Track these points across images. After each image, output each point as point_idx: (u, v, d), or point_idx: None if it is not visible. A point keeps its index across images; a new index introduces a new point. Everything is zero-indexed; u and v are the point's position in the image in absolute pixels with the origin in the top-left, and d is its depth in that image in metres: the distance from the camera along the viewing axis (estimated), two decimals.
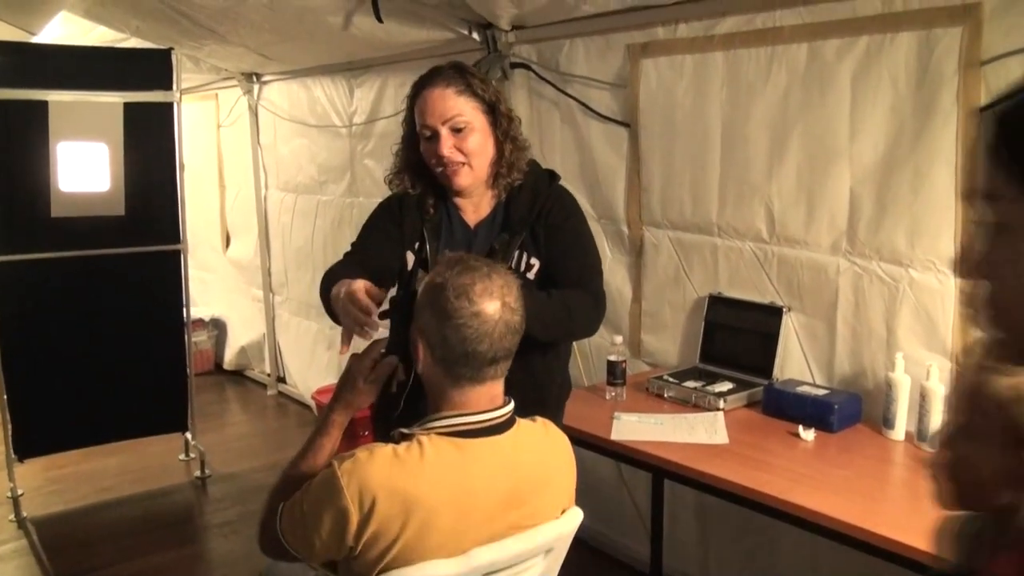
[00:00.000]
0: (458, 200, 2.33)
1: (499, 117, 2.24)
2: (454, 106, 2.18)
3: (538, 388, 2.24)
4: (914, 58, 2.57)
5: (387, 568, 1.58)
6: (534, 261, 2.25)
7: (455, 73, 2.21)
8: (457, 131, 2.19)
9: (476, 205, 2.33)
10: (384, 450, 1.59)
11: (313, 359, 5.93)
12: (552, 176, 2.39)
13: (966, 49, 2.44)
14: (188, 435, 4.96)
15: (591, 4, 3.22)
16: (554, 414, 2.17)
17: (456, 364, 1.64)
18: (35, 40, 5.16)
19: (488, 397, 1.69)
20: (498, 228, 2.30)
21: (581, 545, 1.88)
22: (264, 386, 6.52)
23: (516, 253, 2.24)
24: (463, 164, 2.21)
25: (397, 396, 1.98)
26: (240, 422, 6.10)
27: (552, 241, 2.25)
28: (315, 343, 5.88)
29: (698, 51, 3.12)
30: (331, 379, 5.46)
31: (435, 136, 2.19)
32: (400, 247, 2.33)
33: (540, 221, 2.26)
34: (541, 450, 1.78)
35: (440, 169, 2.23)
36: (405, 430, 1.66)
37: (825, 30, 2.76)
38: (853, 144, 2.73)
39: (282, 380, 6.41)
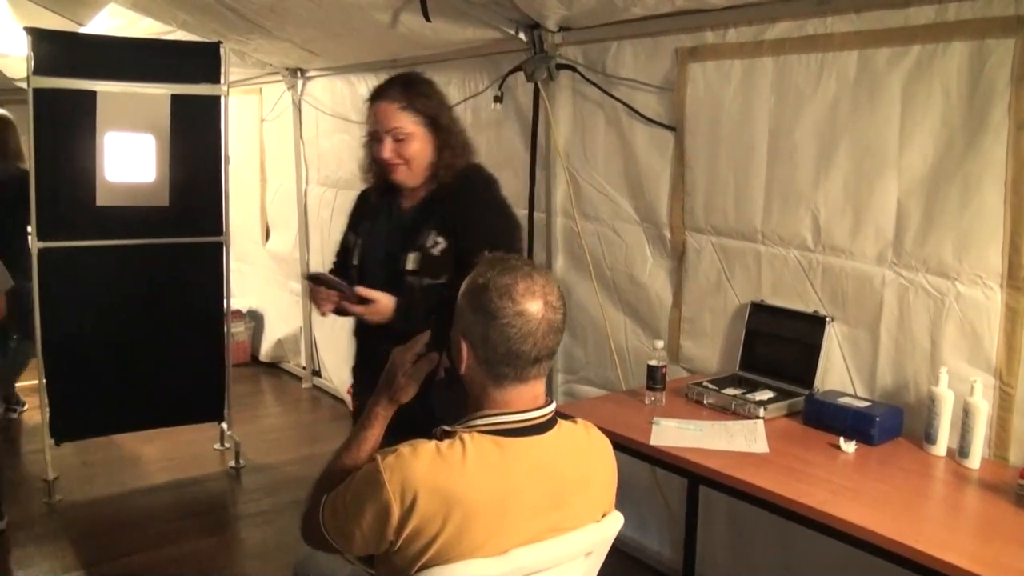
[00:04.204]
0: (402, 190, 2.69)
1: (438, 129, 2.61)
2: (396, 120, 2.57)
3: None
4: (966, 69, 2.53)
5: (426, 565, 1.58)
6: (440, 239, 2.56)
7: (401, 90, 2.60)
8: (398, 140, 2.57)
9: (413, 193, 2.68)
10: (427, 446, 1.59)
11: (348, 354, 5.92)
12: (475, 169, 2.70)
13: (1019, 62, 2.41)
14: (224, 425, 5.00)
15: (640, 6, 3.20)
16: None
17: (499, 364, 1.64)
18: (84, 31, 5.24)
19: (531, 396, 1.69)
20: (421, 212, 2.66)
21: (612, 549, 1.87)
22: (299, 379, 6.56)
23: (425, 231, 2.57)
24: (400, 165, 2.60)
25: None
26: (275, 414, 6.14)
27: (457, 223, 2.56)
28: (350, 338, 5.87)
29: (747, 56, 3.10)
30: None
31: (380, 141, 2.59)
32: (353, 231, 2.82)
33: (448, 204, 2.60)
34: (582, 452, 1.77)
35: (383, 166, 2.63)
36: (447, 427, 1.66)
37: (876, 38, 2.74)
38: (902, 154, 2.70)
39: (317, 374, 6.45)
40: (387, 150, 2.58)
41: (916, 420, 2.64)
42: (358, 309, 2.57)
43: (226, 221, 4.68)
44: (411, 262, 2.58)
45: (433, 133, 2.61)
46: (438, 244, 2.56)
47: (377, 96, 2.63)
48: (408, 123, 2.57)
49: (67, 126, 4.23)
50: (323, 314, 2.68)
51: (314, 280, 2.62)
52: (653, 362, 2.97)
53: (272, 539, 4.08)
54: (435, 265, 2.55)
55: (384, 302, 2.55)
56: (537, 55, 3.78)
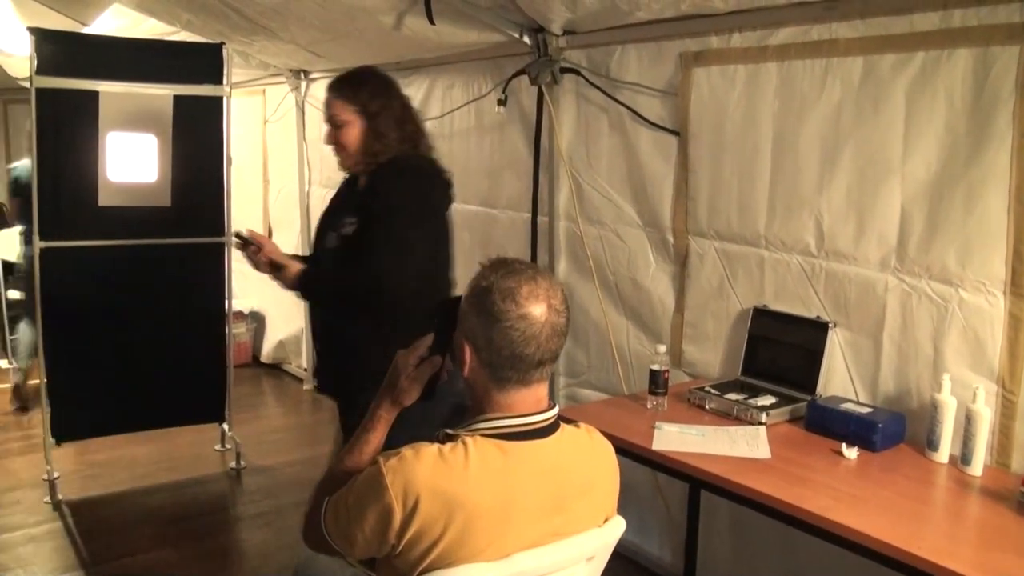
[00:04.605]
0: (359, 176, 2.91)
1: (373, 119, 2.78)
2: (334, 108, 2.82)
3: (350, 352, 2.79)
4: (970, 76, 2.53)
5: (428, 569, 1.58)
6: (353, 221, 2.75)
7: (344, 82, 2.86)
8: (337, 127, 2.81)
9: (362, 180, 2.89)
10: (430, 450, 1.59)
11: None
12: (404, 158, 2.80)
13: (1023, 69, 2.40)
14: (224, 426, 5.00)
15: (645, 11, 3.20)
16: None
17: (502, 367, 1.64)
18: (87, 31, 5.24)
19: (533, 400, 1.69)
20: (351, 196, 2.91)
21: (613, 554, 1.87)
22: (300, 380, 6.56)
23: (345, 213, 2.80)
24: (339, 150, 2.85)
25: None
26: (275, 415, 6.14)
27: (365, 209, 2.72)
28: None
29: (751, 61, 3.10)
30: None
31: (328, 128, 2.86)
32: None
33: (366, 188, 2.81)
34: (585, 456, 1.77)
35: None
36: (450, 431, 1.66)
37: (881, 44, 2.74)
38: (906, 161, 2.70)
39: None
40: (326, 135, 2.87)
41: (918, 426, 2.64)
42: (268, 274, 2.85)
43: (228, 222, 4.68)
44: (331, 241, 2.83)
45: (367, 123, 2.78)
46: (351, 225, 2.75)
47: (328, 88, 2.90)
48: (344, 112, 2.79)
49: (69, 126, 4.23)
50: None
51: (239, 238, 2.89)
52: (655, 366, 2.97)
53: (273, 541, 4.08)
54: (348, 245, 2.74)
55: (291, 271, 2.80)
56: (541, 58, 3.79)
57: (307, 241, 6.24)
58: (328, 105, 2.85)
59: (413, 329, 2.65)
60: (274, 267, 2.82)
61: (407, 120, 2.86)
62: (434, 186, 2.84)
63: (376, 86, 2.86)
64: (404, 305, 2.65)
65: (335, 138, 2.83)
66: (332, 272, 2.80)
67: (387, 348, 2.65)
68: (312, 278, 2.82)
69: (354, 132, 2.80)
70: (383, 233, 2.65)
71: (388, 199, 2.71)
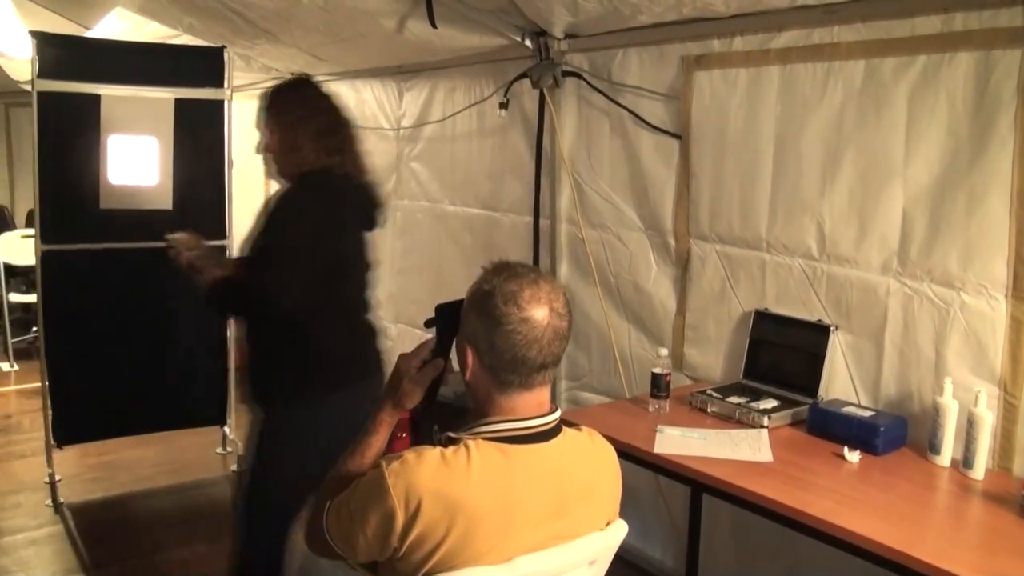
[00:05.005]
0: None
1: (287, 132, 2.77)
2: (260, 118, 2.84)
3: (264, 363, 2.80)
4: (972, 79, 2.54)
5: (430, 573, 1.58)
6: (256, 234, 2.73)
7: (268, 94, 2.86)
8: (264, 136, 2.83)
9: None
10: (432, 453, 1.59)
11: None
12: (305, 175, 2.76)
13: None
14: (226, 429, 5.00)
15: (647, 14, 3.20)
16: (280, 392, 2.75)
17: (504, 370, 1.64)
18: (89, 35, 5.24)
19: (535, 403, 1.69)
20: None
21: (614, 557, 1.87)
22: None
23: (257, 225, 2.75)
24: (265, 158, 2.87)
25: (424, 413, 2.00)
26: None
27: (261, 220, 2.70)
28: None
29: (753, 65, 3.11)
30: None
31: None
32: None
33: (272, 201, 2.75)
34: (587, 460, 1.77)
35: None
36: (452, 434, 1.66)
37: (883, 48, 2.74)
38: (908, 164, 2.71)
39: None
40: (258, 144, 2.88)
41: (920, 430, 2.64)
42: (189, 274, 2.83)
43: (229, 225, 4.68)
44: (248, 251, 2.80)
45: (283, 133, 2.79)
46: (255, 238, 2.74)
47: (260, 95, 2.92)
48: (266, 121, 2.82)
49: (71, 129, 4.24)
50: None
51: (168, 241, 2.91)
52: (657, 370, 2.97)
53: None
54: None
55: (206, 278, 2.78)
56: (543, 62, 3.78)
57: None
58: (256, 113, 2.88)
59: (322, 346, 2.73)
60: (194, 271, 2.80)
61: (331, 133, 2.83)
62: (343, 202, 2.80)
63: (297, 97, 2.86)
64: (306, 320, 2.66)
65: (263, 146, 2.85)
66: (233, 282, 2.77)
67: (296, 362, 2.73)
68: (216, 287, 2.78)
69: (274, 142, 2.81)
70: (270, 246, 2.64)
71: (282, 212, 2.68)
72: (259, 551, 2.85)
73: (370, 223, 2.96)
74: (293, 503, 2.47)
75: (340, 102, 2.93)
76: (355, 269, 2.90)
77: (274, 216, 2.66)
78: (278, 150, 2.81)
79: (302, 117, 2.79)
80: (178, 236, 2.90)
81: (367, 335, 2.96)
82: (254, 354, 2.85)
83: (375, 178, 3.03)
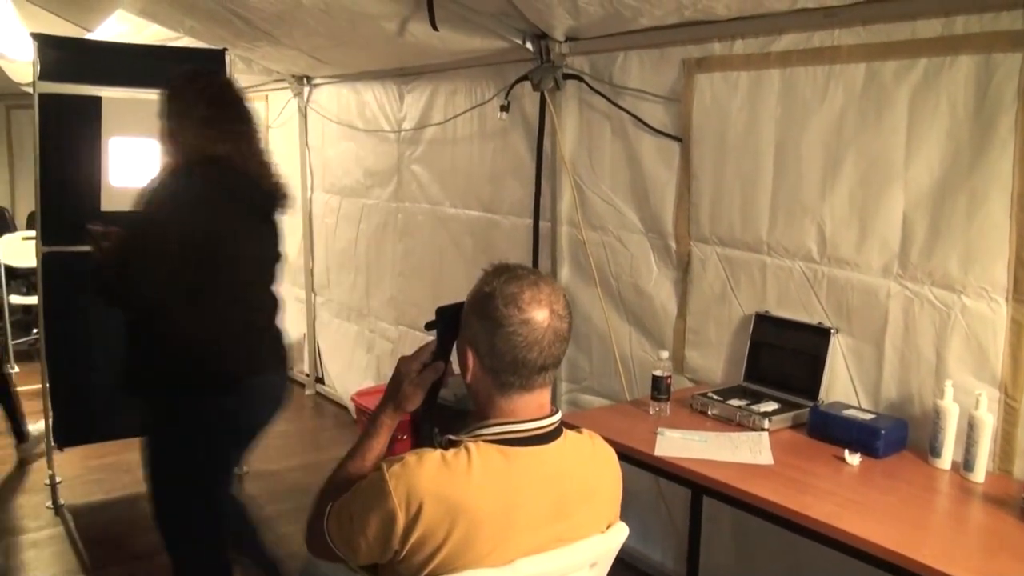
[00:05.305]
0: None
1: (170, 121, 2.77)
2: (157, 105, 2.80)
3: (145, 350, 2.77)
4: (973, 83, 2.54)
5: (431, 575, 1.58)
6: None
7: (168, 81, 2.83)
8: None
9: None
10: (433, 455, 1.59)
11: (352, 361, 5.95)
12: (185, 165, 2.73)
13: None
14: None
15: (648, 17, 3.21)
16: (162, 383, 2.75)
17: (505, 372, 1.64)
18: (90, 37, 5.24)
19: (536, 405, 1.69)
20: None
21: (615, 560, 1.87)
22: (302, 386, 6.55)
23: None
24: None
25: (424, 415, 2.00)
26: (277, 420, 6.11)
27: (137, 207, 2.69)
28: (355, 345, 5.90)
29: (754, 68, 3.11)
30: (369, 381, 5.49)
31: None
32: None
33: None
34: (587, 462, 1.77)
35: None
36: (453, 436, 1.66)
37: (884, 51, 2.74)
38: (908, 167, 2.71)
39: (320, 381, 6.44)
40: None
41: (921, 433, 2.64)
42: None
43: None
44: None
45: (166, 122, 2.78)
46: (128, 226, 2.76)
47: None
48: (160, 111, 2.79)
49: (72, 131, 4.24)
50: None
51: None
52: (658, 372, 2.97)
53: (274, 546, 4.07)
54: None
55: (106, 251, 2.78)
56: (544, 65, 3.79)
57: (309, 246, 6.26)
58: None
59: (197, 338, 2.71)
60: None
61: (218, 123, 2.78)
62: (224, 193, 2.75)
63: (187, 87, 2.83)
64: (176, 310, 2.65)
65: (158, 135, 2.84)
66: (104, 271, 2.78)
67: (169, 353, 2.72)
68: (94, 275, 2.80)
69: (163, 129, 2.80)
70: (134, 232, 2.66)
71: (149, 200, 2.67)
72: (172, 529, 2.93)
73: (263, 216, 2.92)
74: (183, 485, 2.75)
75: (240, 95, 2.91)
76: (239, 262, 2.79)
77: (147, 203, 2.66)
78: (165, 138, 2.78)
79: (189, 106, 2.77)
80: (96, 228, 2.86)
81: (257, 332, 2.91)
82: (133, 344, 2.84)
83: (275, 171, 3.01)
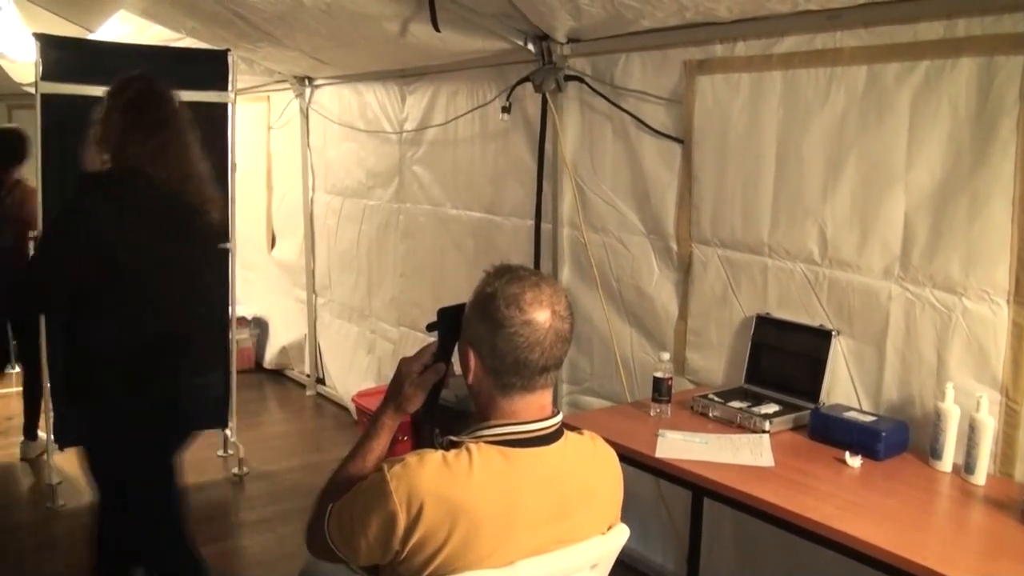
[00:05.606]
0: None
1: (95, 126, 2.79)
2: None
3: (79, 348, 2.72)
4: (974, 85, 2.54)
5: None
6: None
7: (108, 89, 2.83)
8: None
9: None
10: (434, 456, 1.59)
11: (353, 362, 5.96)
12: (103, 173, 2.76)
13: None
14: (227, 432, 5.00)
15: (649, 19, 3.21)
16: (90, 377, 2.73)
17: (506, 373, 1.64)
18: (92, 37, 5.24)
19: (537, 406, 1.69)
20: None
21: (615, 562, 1.87)
22: (303, 386, 6.56)
23: None
24: None
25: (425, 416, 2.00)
26: (278, 421, 6.13)
27: None
28: (355, 346, 5.91)
29: (755, 69, 3.11)
30: (370, 382, 5.49)
31: None
32: None
33: None
34: (588, 463, 1.77)
35: None
36: (454, 437, 1.66)
37: (885, 53, 2.74)
38: (909, 169, 2.71)
39: (321, 382, 6.45)
40: None
41: (922, 435, 2.64)
42: None
43: (232, 228, 4.68)
44: None
45: (97, 130, 2.79)
46: None
47: None
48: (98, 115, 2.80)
49: (75, 132, 4.21)
50: None
51: None
52: (659, 374, 2.97)
53: (275, 547, 4.08)
54: None
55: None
56: (545, 66, 3.79)
57: (311, 247, 6.26)
58: None
59: (100, 350, 2.70)
60: None
61: (128, 129, 2.74)
62: (137, 206, 2.69)
63: (118, 95, 2.83)
64: (77, 321, 2.66)
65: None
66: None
67: (78, 363, 2.76)
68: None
69: (94, 134, 2.81)
70: (39, 241, 2.68)
71: (62, 208, 2.69)
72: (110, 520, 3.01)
73: (181, 234, 2.79)
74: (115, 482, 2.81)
75: (164, 105, 2.85)
76: (143, 276, 2.70)
77: (59, 211, 2.67)
78: (94, 144, 2.79)
79: (106, 114, 2.79)
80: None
81: (155, 348, 2.78)
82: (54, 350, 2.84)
83: (205, 188, 2.87)
